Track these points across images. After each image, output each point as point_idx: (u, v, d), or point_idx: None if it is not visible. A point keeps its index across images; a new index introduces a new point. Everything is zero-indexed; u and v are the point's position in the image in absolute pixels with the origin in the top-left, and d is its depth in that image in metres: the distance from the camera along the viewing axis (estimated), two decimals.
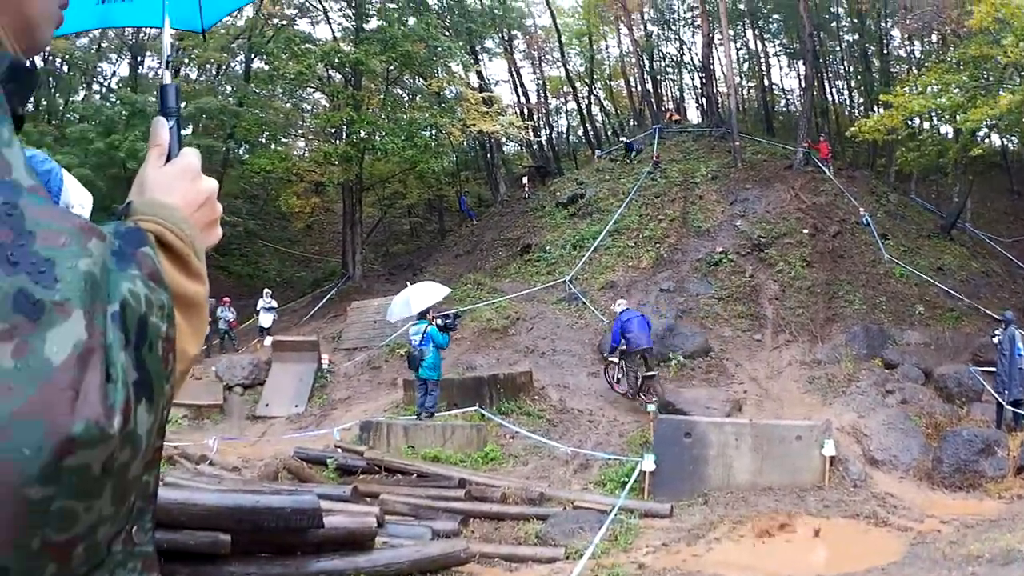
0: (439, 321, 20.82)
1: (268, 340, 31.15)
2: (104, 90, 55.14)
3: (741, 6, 57.50)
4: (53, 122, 48.33)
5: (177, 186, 1.42)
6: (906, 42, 50.47)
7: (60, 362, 0.89)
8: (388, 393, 25.15)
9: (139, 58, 53.00)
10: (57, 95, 52.84)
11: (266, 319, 33.90)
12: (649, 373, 22.14)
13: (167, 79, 2.11)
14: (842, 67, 59.02)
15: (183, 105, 47.37)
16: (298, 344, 28.23)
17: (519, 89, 61.02)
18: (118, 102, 44.73)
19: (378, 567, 9.49)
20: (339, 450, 18.42)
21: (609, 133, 64.53)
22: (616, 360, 23.03)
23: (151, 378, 1.03)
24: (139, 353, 1.02)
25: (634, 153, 46.08)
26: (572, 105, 68.70)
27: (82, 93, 54.43)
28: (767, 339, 26.52)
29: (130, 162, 36.75)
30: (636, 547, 11.72)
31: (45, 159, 2.85)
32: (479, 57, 54.29)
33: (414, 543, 10.90)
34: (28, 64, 1.24)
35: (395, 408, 23.14)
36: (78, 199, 3.02)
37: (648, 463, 14.85)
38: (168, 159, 1.50)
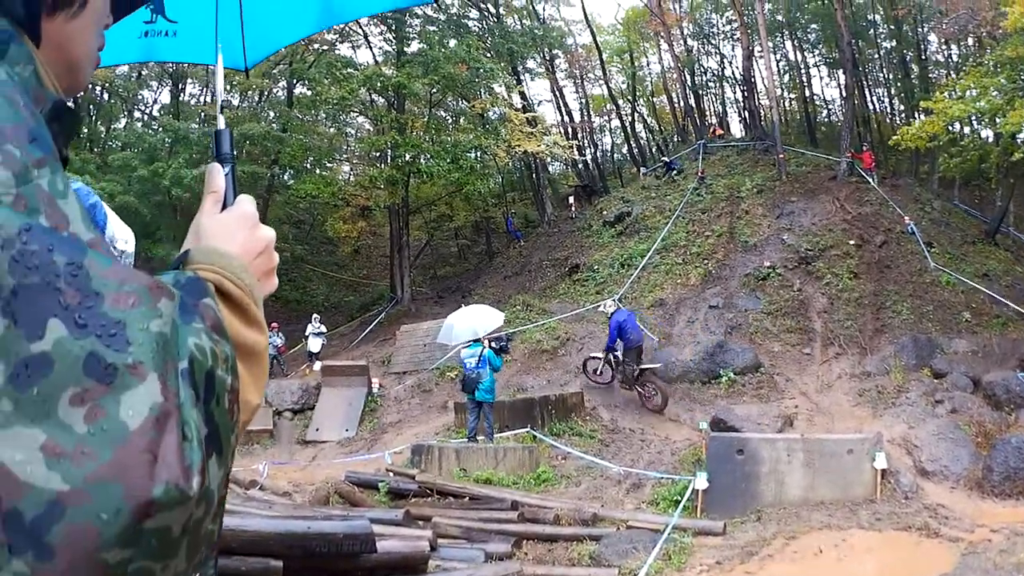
0: (494, 344, 20.86)
1: (317, 365, 31.36)
2: (146, 117, 55.79)
3: (779, 17, 57.05)
4: (95, 150, 49.01)
5: (235, 234, 1.39)
6: (943, 47, 50.22)
7: (136, 426, 0.87)
8: (439, 416, 25.20)
9: (180, 86, 53.69)
10: (98, 123, 53.46)
11: (315, 344, 33.97)
12: (648, 366, 23.20)
13: (221, 124, 2.04)
14: (881, 75, 58.53)
15: None
16: (348, 368, 28.29)
17: (562, 108, 61.05)
18: (160, 129, 45.28)
19: None
20: (391, 474, 18.35)
21: (654, 150, 64.60)
22: (600, 356, 24.20)
23: (220, 432, 1.01)
24: (208, 408, 0.99)
25: (674, 172, 45.94)
26: (616, 123, 68.86)
27: (123, 120, 55.11)
28: (816, 353, 26.26)
29: (175, 189, 37.41)
30: (690, 566, 11.59)
31: (89, 192, 2.85)
32: (521, 78, 54.35)
33: (467, 566, 10.83)
34: (71, 105, 1.22)
35: (446, 431, 23.17)
36: (122, 234, 3.03)
37: (701, 481, 14.71)
38: (224, 206, 1.48)
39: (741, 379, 24.62)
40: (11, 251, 0.87)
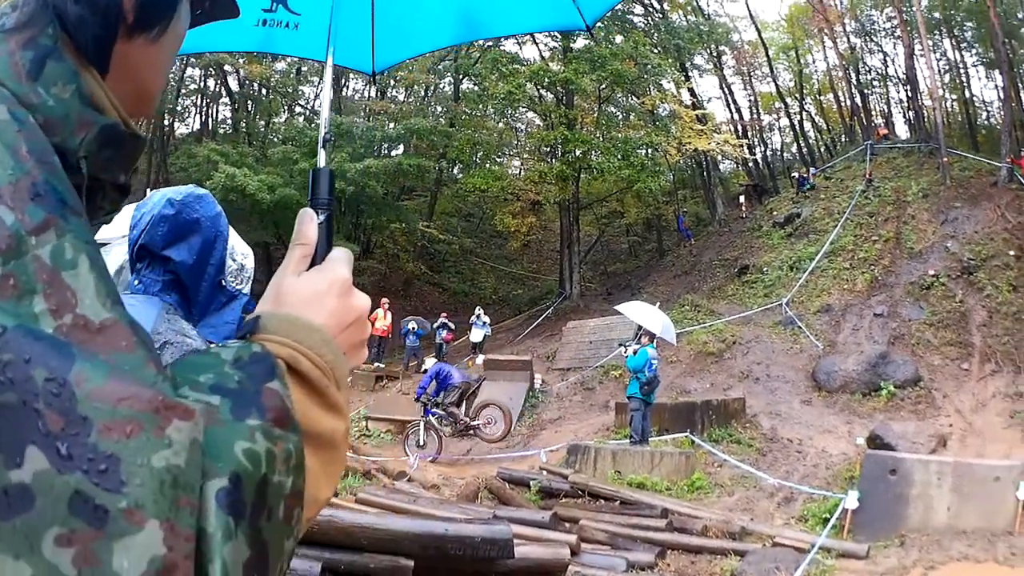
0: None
1: (480, 358, 31.48)
2: (308, 113, 57.10)
3: (936, 15, 55.20)
4: (254, 143, 50.53)
5: (324, 301, 1.16)
6: None
7: None
8: (599, 415, 25.09)
9: (343, 81, 54.63)
10: (257, 117, 54.97)
11: (477, 335, 34.32)
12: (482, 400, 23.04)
13: (321, 160, 1.79)
14: None
15: (391, 125, 47.51)
16: (511, 363, 28.36)
17: (732, 106, 60.55)
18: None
19: None
20: (544, 472, 18.34)
21: (822, 149, 63.39)
22: (417, 422, 22.27)
23: (267, 549, 0.87)
24: (255, 525, 0.85)
25: (806, 188, 44.89)
26: (784, 122, 67.87)
27: (284, 116, 56.43)
28: (974, 368, 25.57)
29: (338, 182, 37.68)
30: None
31: (212, 201, 2.79)
32: (689, 74, 53.92)
33: (607, 574, 10.73)
34: (130, 130, 1.10)
35: (605, 431, 23.03)
36: (241, 248, 2.93)
37: (852, 500, 14.26)
38: (314, 262, 1.25)
39: (901, 393, 24.20)
40: None
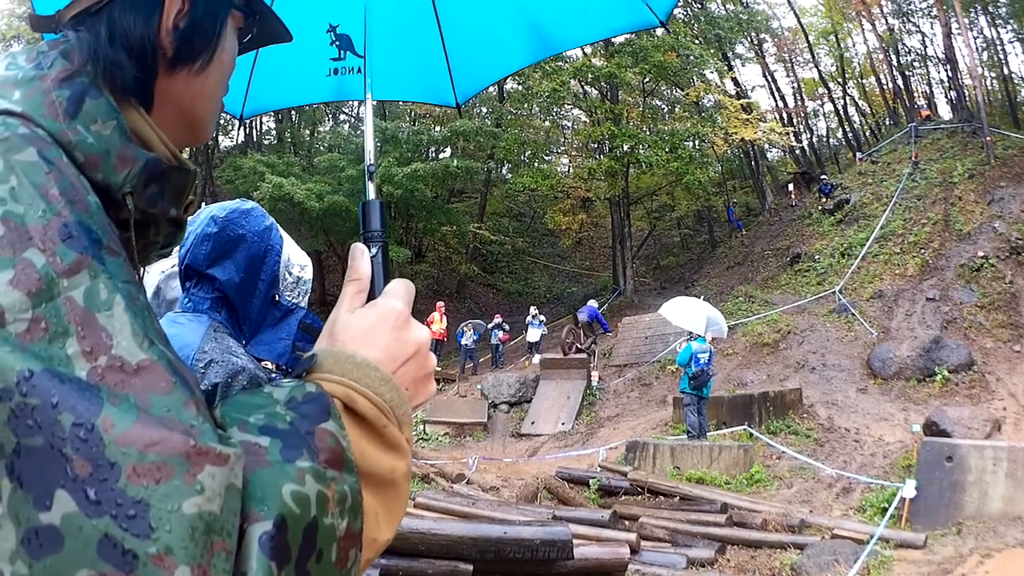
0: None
1: (536, 358, 31.48)
2: (353, 120, 57.70)
3: None
4: (299, 153, 51.00)
5: (378, 336, 1.12)
6: None
7: None
8: (657, 410, 25.00)
9: None
10: (302, 126, 55.26)
11: (534, 334, 34.21)
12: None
13: (371, 192, 1.80)
14: None
15: (437, 129, 47.51)
16: (567, 361, 28.35)
17: (775, 93, 60.00)
18: None
19: None
20: (602, 470, 18.33)
21: (867, 133, 62.66)
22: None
23: None
24: (302, 570, 0.84)
25: (828, 191, 44.07)
26: (829, 107, 67.09)
27: (328, 124, 56.78)
28: None
29: (386, 187, 38.46)
30: None
31: (262, 215, 2.73)
32: (732, 63, 53.64)
33: (667, 572, 10.75)
34: (177, 163, 1.12)
35: (664, 426, 22.91)
36: (298, 259, 2.83)
37: (909, 489, 14.06)
38: (371, 297, 1.21)
39: (955, 377, 23.78)
40: (9, 403, 0.73)
